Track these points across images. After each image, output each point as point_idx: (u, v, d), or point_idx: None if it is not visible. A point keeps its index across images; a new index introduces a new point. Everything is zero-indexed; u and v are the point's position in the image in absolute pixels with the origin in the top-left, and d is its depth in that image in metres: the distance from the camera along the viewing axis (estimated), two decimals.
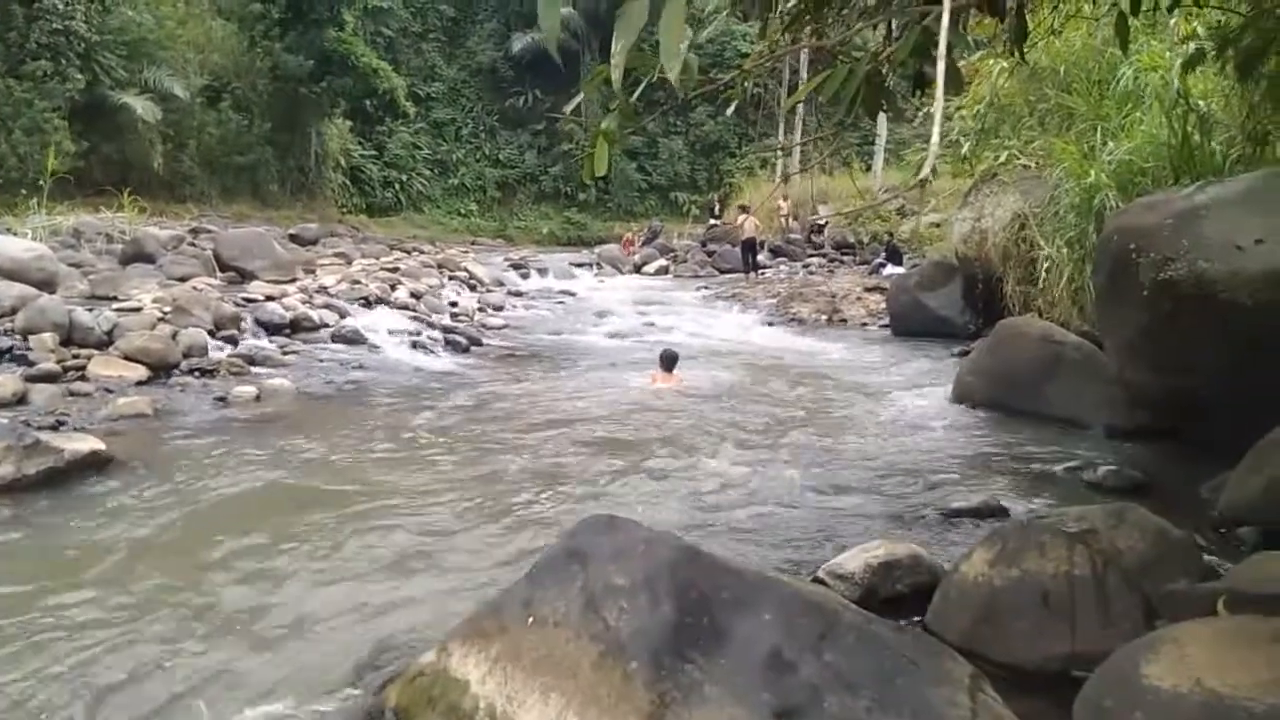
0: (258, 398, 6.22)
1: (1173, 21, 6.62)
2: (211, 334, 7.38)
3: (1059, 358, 5.78)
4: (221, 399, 6.10)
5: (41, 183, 12.94)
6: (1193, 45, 5.31)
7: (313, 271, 11.56)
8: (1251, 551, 3.18)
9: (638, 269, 21.60)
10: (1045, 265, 7.89)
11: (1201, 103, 6.05)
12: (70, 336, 6.53)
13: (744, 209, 19.19)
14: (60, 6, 19.71)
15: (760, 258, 18.94)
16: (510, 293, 14.59)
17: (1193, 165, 5.86)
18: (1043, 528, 2.69)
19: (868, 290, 14.02)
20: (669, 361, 7.63)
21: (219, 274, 10.30)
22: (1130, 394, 5.14)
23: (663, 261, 21.90)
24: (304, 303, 9.04)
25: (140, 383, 6.19)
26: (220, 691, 2.47)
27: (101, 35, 21.26)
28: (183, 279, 9.43)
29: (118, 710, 2.38)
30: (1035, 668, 2.44)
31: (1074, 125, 8.38)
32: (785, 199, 22.57)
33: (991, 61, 9.39)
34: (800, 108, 23.70)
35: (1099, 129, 7.50)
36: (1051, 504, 3.98)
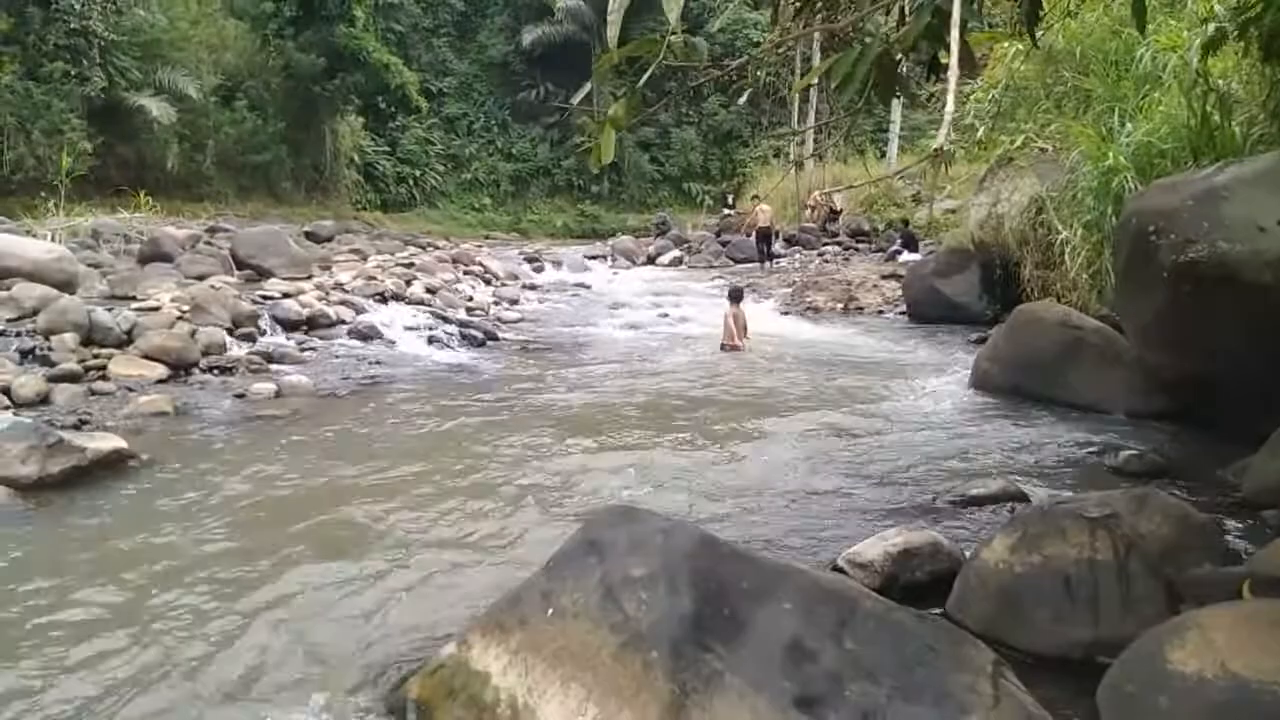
0: (276, 394, 6.27)
1: (1190, 0, 6.53)
2: (230, 332, 7.44)
3: (1078, 342, 5.73)
4: (240, 396, 6.15)
5: (59, 184, 13.08)
6: (1213, 27, 5.24)
7: (329, 268, 11.62)
8: (1275, 535, 3.14)
9: (652, 260, 21.57)
10: (1063, 249, 7.82)
11: (1221, 82, 5.96)
12: (90, 336, 6.59)
13: (756, 199, 19.14)
14: (77, 6, 19.85)
15: (776, 247, 18.86)
16: (525, 286, 14.62)
17: (1212, 146, 5.78)
18: (1064, 513, 2.66)
19: (884, 278, 13.94)
20: (736, 295, 9.11)
21: (236, 272, 10.38)
22: (1151, 378, 5.10)
23: (677, 252, 21.85)
24: (320, 299, 9.10)
25: (160, 381, 6.24)
26: (242, 686, 2.49)
27: (116, 36, 21.41)
28: (200, 278, 9.50)
29: (140, 706, 2.41)
30: (1058, 654, 2.42)
31: (1091, 107, 8.29)
32: (818, 192, 22.44)
33: (1007, 44, 9.30)
34: (814, 97, 23.55)
35: (1116, 111, 7.41)
36: (1072, 489, 3.95)
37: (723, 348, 8.78)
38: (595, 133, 2.12)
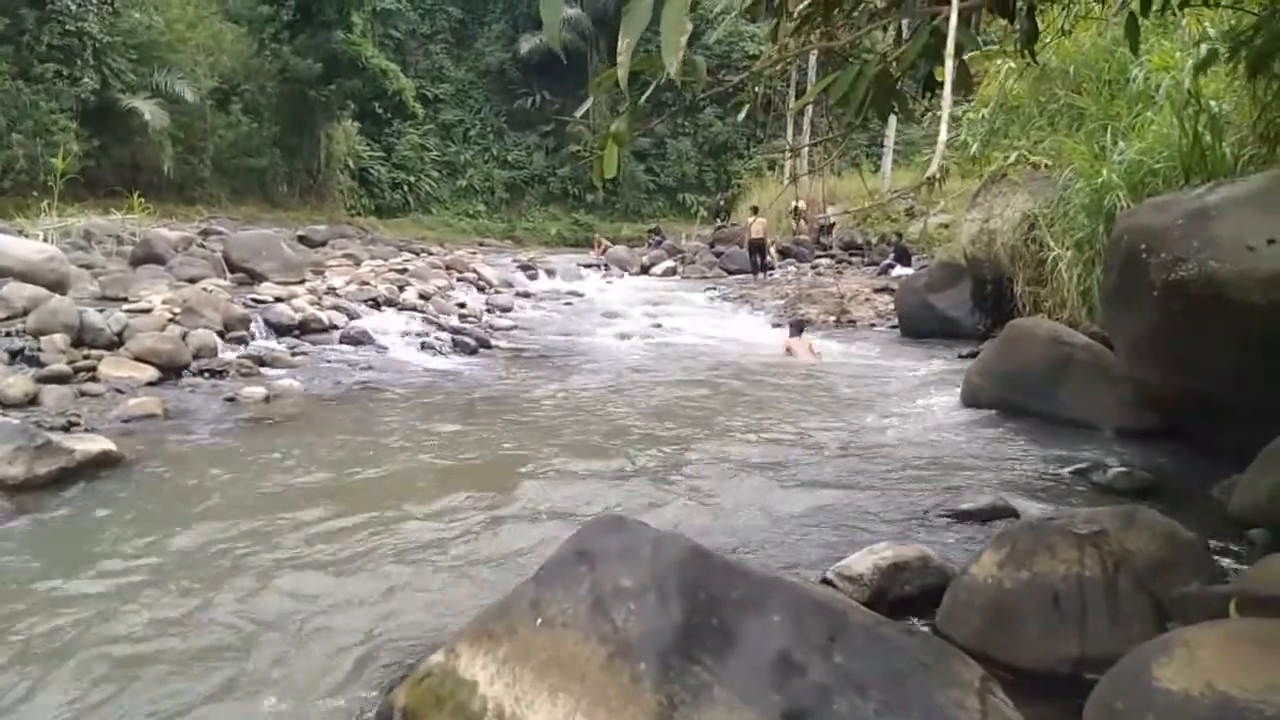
0: (267, 399, 6.24)
1: (1184, 21, 6.59)
2: (221, 335, 7.41)
3: (1068, 359, 5.75)
4: (231, 400, 6.12)
5: (51, 184, 13.04)
6: (1204, 47, 5.29)
7: (322, 273, 11.61)
8: (1263, 553, 3.15)
9: (646, 270, 21.61)
10: (1054, 266, 7.86)
11: (1213, 103, 6.02)
12: (81, 338, 6.56)
13: (754, 210, 19.22)
14: (72, 8, 19.84)
15: (769, 258, 18.92)
16: (518, 294, 14.62)
17: (1204, 165, 5.83)
18: (1053, 529, 2.67)
19: (876, 291, 14.01)
20: (798, 327, 9.95)
21: (228, 275, 10.35)
22: (1140, 395, 5.12)
23: (671, 263, 21.91)
24: (313, 304, 9.08)
25: (150, 383, 6.22)
26: (227, 692, 2.47)
27: (111, 37, 21.39)
28: (192, 280, 9.48)
29: (121, 711, 2.39)
30: (1045, 670, 2.42)
31: (1084, 125, 8.35)
32: (801, 199, 22.58)
33: (1000, 62, 9.36)
34: (809, 108, 23.66)
35: (1109, 129, 7.47)
36: (1061, 505, 3.96)
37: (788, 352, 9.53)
38: (595, 145, 2.13)
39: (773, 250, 19.74)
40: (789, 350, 9.53)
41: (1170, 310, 4.22)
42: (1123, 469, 4.38)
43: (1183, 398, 4.70)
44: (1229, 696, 1.78)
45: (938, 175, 1.73)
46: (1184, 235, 4.13)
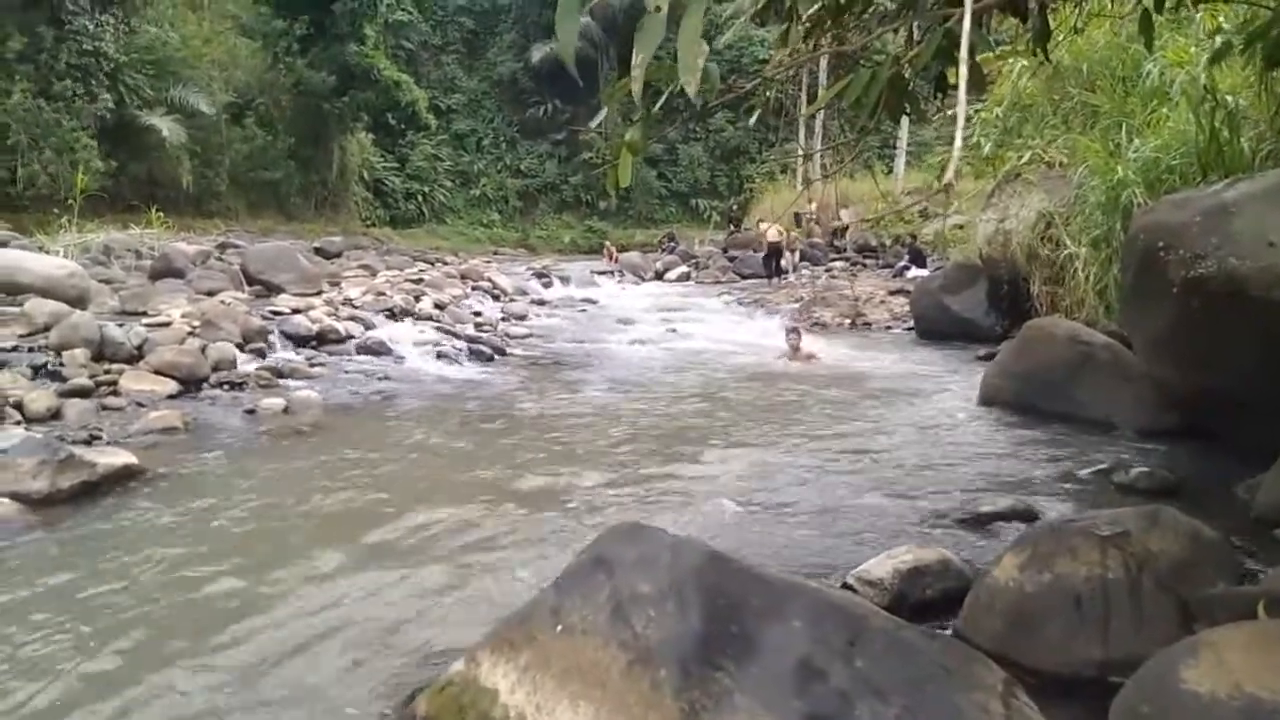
0: (286, 410, 6.28)
1: (1198, 16, 6.54)
2: (240, 347, 7.46)
3: (1087, 358, 5.71)
4: (250, 411, 6.16)
5: (71, 201, 13.20)
6: (1219, 40, 5.25)
7: (338, 284, 11.68)
8: None
9: (659, 275, 21.63)
10: (1071, 264, 7.81)
11: (1229, 97, 5.97)
12: (102, 352, 6.62)
13: (763, 220, 19.26)
14: (90, 28, 20.08)
15: (784, 263, 18.86)
16: (533, 301, 14.67)
17: (1221, 161, 5.78)
18: (1074, 531, 2.65)
19: (891, 293, 13.97)
20: (794, 331, 9.78)
21: (246, 288, 10.43)
22: (1160, 394, 5.08)
23: (684, 268, 21.92)
24: (330, 315, 9.13)
25: (171, 396, 6.26)
26: (250, 703, 2.49)
27: (128, 55, 21.63)
28: (211, 293, 9.55)
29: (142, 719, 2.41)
30: (1069, 673, 2.40)
31: (1098, 123, 8.29)
32: (811, 201, 22.58)
33: (1013, 61, 9.33)
34: (821, 114, 23.65)
35: (1124, 126, 7.42)
36: (1083, 506, 3.93)
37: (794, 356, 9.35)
38: (609, 154, 2.15)
39: (795, 254, 19.60)
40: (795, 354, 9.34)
41: (1189, 308, 4.18)
42: (1144, 469, 4.34)
43: (1203, 396, 4.66)
44: (1257, 699, 1.76)
45: (953, 180, 1.72)
46: (1202, 232, 4.09)
